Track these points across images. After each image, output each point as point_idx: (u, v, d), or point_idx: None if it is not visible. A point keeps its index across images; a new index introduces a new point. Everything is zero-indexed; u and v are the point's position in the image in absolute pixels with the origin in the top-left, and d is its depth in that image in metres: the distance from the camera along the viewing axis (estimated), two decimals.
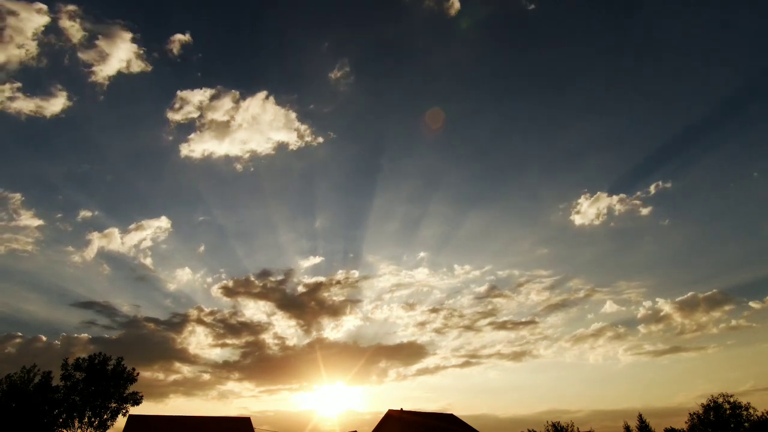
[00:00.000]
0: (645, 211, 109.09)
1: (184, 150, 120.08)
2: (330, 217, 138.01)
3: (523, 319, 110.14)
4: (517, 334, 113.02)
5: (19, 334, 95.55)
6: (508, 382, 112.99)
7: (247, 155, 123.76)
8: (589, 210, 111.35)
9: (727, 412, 48.97)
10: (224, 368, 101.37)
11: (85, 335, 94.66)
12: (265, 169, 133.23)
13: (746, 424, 47.79)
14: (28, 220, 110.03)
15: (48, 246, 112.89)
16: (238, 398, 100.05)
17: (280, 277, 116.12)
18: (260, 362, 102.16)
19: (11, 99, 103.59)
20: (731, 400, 49.59)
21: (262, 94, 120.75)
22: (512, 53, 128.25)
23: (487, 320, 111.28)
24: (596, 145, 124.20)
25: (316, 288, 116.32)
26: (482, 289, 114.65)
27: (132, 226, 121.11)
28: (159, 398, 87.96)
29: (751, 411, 48.26)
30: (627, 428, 57.69)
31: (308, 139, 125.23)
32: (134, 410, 46.88)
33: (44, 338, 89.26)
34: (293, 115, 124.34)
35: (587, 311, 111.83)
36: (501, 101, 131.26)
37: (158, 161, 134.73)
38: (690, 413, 51.73)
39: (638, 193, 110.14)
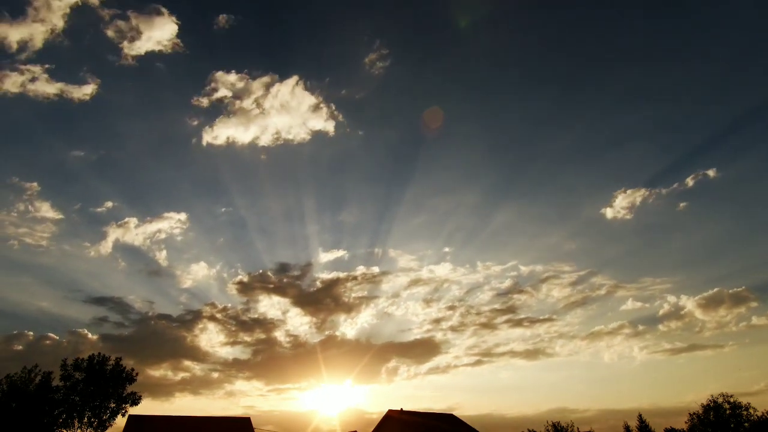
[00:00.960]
0: (680, 204, 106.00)
1: (208, 137, 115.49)
2: (356, 209, 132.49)
3: (542, 317, 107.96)
4: (533, 332, 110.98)
5: (28, 333, 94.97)
6: (519, 381, 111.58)
7: (274, 143, 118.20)
8: (621, 203, 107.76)
9: (727, 412, 48.91)
10: (234, 366, 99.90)
11: (95, 333, 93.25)
12: (291, 158, 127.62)
13: (746, 424, 47.74)
14: (45, 212, 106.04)
15: (64, 239, 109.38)
16: (245, 397, 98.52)
17: (297, 272, 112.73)
18: (270, 360, 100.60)
19: (33, 80, 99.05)
20: (731, 400, 49.58)
21: (293, 80, 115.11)
22: (552, 39, 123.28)
23: (505, 317, 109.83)
24: (637, 135, 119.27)
25: (333, 284, 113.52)
26: (503, 285, 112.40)
27: (150, 218, 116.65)
28: (166, 397, 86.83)
29: (751, 411, 48.28)
30: (627, 428, 57.74)
31: (338, 126, 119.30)
32: (135, 410, 47.00)
33: (56, 336, 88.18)
34: (324, 100, 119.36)
35: (608, 308, 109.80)
36: (542, 89, 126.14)
37: (181, 149, 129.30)
38: (690, 413, 51.75)
39: (675, 185, 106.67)
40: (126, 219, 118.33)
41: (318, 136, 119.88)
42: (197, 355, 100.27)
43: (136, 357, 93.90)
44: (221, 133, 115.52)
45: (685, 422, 52.22)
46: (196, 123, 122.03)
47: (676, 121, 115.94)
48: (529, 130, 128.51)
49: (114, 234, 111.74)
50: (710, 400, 50.51)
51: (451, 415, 55.82)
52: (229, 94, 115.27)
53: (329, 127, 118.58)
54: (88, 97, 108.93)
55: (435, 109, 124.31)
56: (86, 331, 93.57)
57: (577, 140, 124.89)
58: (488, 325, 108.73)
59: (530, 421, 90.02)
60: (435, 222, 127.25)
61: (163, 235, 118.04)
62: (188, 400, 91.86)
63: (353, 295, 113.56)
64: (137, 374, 49.11)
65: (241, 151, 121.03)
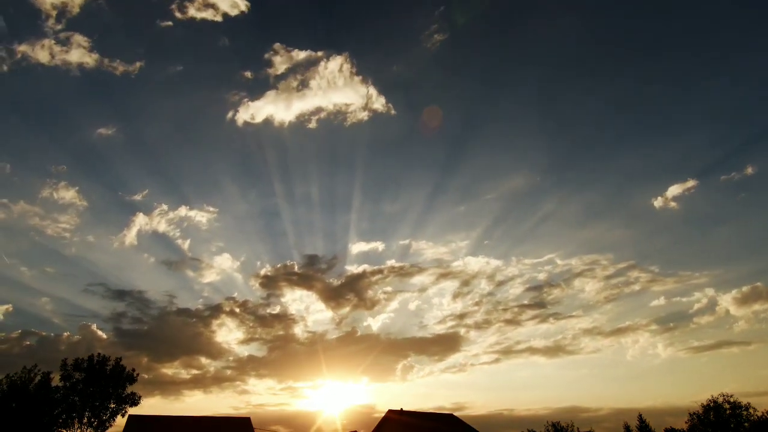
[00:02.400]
0: (736, 196, 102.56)
1: (246, 115, 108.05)
2: (398, 197, 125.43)
3: (569, 313, 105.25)
4: (558, 328, 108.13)
5: (37, 331, 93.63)
6: (536, 379, 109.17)
7: (317, 124, 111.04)
8: (673, 193, 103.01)
9: (727, 412, 48.87)
10: (248, 363, 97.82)
11: (112, 329, 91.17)
12: (333, 140, 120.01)
13: (746, 424, 47.69)
14: (70, 198, 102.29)
15: (88, 228, 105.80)
16: (256, 395, 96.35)
17: (324, 265, 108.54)
18: (286, 358, 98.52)
19: (68, 50, 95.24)
20: (731, 400, 49.54)
21: (342, 57, 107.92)
22: (616, 21, 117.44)
23: (531, 313, 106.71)
24: (694, 124, 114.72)
25: (358, 278, 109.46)
26: (536, 279, 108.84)
27: (176, 206, 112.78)
28: (176, 396, 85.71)
29: (751, 411, 48.23)
30: (627, 428, 57.75)
31: (387, 107, 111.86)
32: (137, 410, 46.96)
33: (67, 334, 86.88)
34: (373, 80, 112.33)
35: (639, 303, 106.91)
36: (601, 71, 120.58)
37: (216, 128, 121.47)
38: (690, 413, 51.71)
39: (728, 176, 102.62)
40: (151, 207, 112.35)
41: (365, 116, 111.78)
42: (212, 351, 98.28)
43: (150, 354, 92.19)
44: (261, 111, 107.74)
45: (686, 422, 52.27)
46: (236, 99, 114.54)
47: (733, 110, 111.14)
48: (585, 116, 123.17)
49: (138, 223, 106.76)
50: (710, 400, 50.52)
51: (451, 415, 55.82)
52: (276, 69, 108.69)
53: (378, 107, 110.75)
54: (123, 71, 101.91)
55: (487, 92, 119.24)
56: (101, 327, 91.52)
57: (634, 128, 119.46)
58: (512, 321, 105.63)
59: (539, 420, 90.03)
60: (476, 211, 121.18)
61: (189, 225, 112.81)
62: (198, 399, 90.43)
63: (377, 289, 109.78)
64: (138, 374, 49.22)
65: (280, 132, 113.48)
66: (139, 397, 47.84)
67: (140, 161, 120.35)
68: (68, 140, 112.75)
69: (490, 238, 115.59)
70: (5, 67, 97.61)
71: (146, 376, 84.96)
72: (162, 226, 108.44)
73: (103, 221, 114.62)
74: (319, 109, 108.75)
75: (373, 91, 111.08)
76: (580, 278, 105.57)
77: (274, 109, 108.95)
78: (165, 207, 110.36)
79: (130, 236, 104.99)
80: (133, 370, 48.87)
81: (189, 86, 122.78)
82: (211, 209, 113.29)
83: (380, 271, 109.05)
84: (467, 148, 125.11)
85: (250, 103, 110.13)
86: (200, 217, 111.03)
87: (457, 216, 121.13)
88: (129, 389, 47.95)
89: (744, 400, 49.66)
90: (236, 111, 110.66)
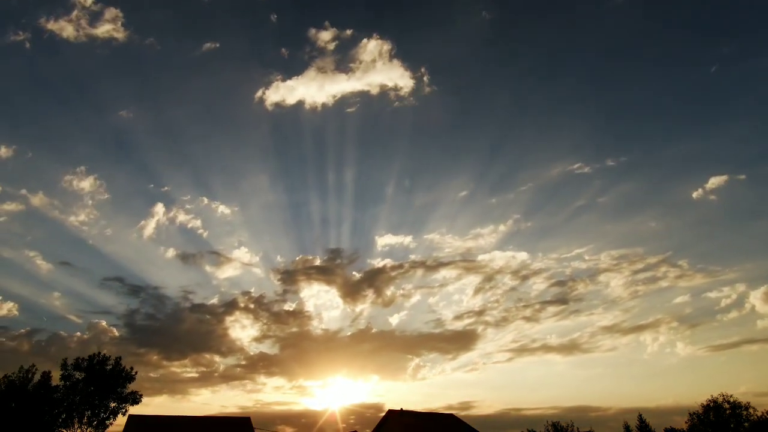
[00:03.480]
0: None
1: (277, 96, 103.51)
2: (430, 187, 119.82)
3: (593, 310, 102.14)
4: (577, 325, 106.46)
5: (47, 329, 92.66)
6: (549, 377, 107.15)
7: (352, 108, 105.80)
8: (713, 184, 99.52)
9: (727, 412, 48.91)
10: (260, 361, 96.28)
11: (125, 325, 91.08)
12: (368, 124, 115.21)
13: (746, 424, 47.75)
14: (90, 188, 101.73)
15: (107, 220, 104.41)
16: (265, 394, 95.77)
17: (345, 260, 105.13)
18: (298, 355, 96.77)
19: (97, 25, 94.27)
20: (731, 399, 49.61)
21: (383, 37, 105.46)
22: (669, 7, 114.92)
23: (552, 310, 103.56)
24: (742, 114, 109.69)
25: (379, 273, 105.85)
26: (562, 273, 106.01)
27: (197, 197, 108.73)
28: (183, 395, 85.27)
29: (751, 411, 48.28)
30: (627, 428, 57.81)
31: (426, 91, 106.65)
32: (137, 410, 46.76)
33: (78, 334, 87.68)
34: (414, 63, 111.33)
35: (665, 299, 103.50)
36: (650, 59, 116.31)
37: (245, 111, 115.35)
38: (690, 413, 51.74)
39: None
40: (171, 197, 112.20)
41: (405, 101, 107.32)
42: (223, 349, 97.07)
43: (161, 351, 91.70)
44: (294, 92, 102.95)
45: (685, 422, 52.30)
46: (269, 79, 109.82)
47: None
48: (632, 105, 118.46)
49: (158, 214, 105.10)
50: (710, 400, 50.56)
51: (451, 415, 55.79)
52: (315, 48, 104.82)
53: (419, 91, 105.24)
54: (153, 48, 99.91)
55: (535, 75, 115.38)
56: (114, 324, 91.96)
57: (682, 117, 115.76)
58: (531, 319, 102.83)
59: (545, 420, 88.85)
60: (508, 203, 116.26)
61: (210, 216, 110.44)
62: (205, 398, 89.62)
63: (397, 285, 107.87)
64: (137, 373, 49.04)
65: (313, 116, 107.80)
66: (140, 396, 47.73)
67: (162, 147, 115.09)
68: (91, 123, 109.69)
69: (520, 231, 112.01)
70: (28, 44, 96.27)
71: (154, 375, 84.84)
72: (181, 217, 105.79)
73: (122, 212, 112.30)
74: (356, 92, 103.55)
75: (415, 74, 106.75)
76: (606, 273, 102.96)
77: (308, 90, 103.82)
78: (185, 197, 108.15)
79: (149, 228, 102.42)
80: (132, 368, 48.77)
81: (221, 64, 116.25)
82: (234, 200, 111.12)
83: (401, 266, 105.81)
84: (509, 135, 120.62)
85: (282, 83, 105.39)
86: (222, 208, 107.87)
87: (488, 208, 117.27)
88: (129, 388, 47.81)
89: (758, 400, 49.74)
90: (267, 90, 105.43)
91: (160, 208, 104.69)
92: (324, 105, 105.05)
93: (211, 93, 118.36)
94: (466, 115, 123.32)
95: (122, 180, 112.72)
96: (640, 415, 57.33)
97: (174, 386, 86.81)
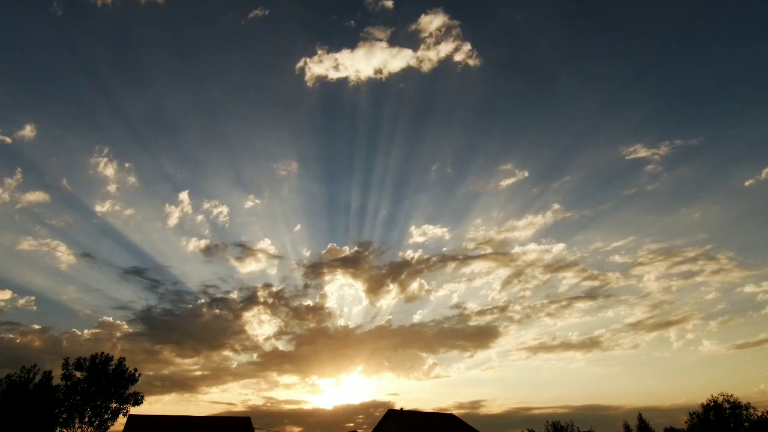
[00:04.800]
0: None
1: (320, 69, 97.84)
2: (475, 173, 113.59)
3: (620, 307, 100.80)
4: (603, 321, 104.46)
5: (58, 325, 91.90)
6: (567, 375, 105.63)
7: (401, 83, 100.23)
8: None
9: (727, 411, 48.90)
10: (274, 358, 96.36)
11: (139, 323, 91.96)
12: (415, 103, 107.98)
13: (746, 424, 47.74)
14: (113, 174, 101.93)
15: (133, 206, 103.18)
16: (277, 391, 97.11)
17: (373, 253, 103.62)
18: (314, 353, 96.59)
19: None
20: (731, 399, 49.60)
21: (438, 11, 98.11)
22: None
23: (579, 306, 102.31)
24: None
25: (405, 266, 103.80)
26: (599, 265, 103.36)
27: (224, 184, 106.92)
28: (191, 393, 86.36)
29: (751, 411, 48.30)
30: (627, 428, 57.85)
31: (480, 68, 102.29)
32: (138, 409, 46.79)
33: (88, 331, 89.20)
34: (468, 39, 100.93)
35: (698, 294, 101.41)
36: (717, 39, 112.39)
37: (284, 88, 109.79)
38: (690, 413, 51.76)
39: None
40: (197, 185, 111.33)
41: (456, 78, 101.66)
42: (237, 346, 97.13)
43: (175, 348, 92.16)
44: (338, 65, 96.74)
45: (685, 422, 52.32)
46: (314, 51, 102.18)
47: None
48: (693, 87, 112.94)
49: (182, 203, 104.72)
50: (710, 400, 50.58)
51: (451, 415, 55.89)
52: (365, 18, 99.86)
53: (475, 68, 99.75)
54: (195, 16, 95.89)
55: (593, 51, 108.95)
56: (130, 320, 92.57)
57: (744, 102, 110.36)
58: (555, 315, 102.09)
59: (552, 419, 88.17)
60: (555, 191, 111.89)
61: (237, 206, 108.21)
62: (214, 396, 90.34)
63: (424, 279, 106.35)
64: (140, 374, 49.05)
65: (357, 92, 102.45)
66: (142, 397, 47.74)
67: (193, 127, 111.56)
68: (121, 98, 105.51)
69: (558, 223, 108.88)
70: (60, 11, 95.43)
71: (166, 372, 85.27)
72: (207, 206, 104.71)
73: (147, 200, 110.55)
74: (408, 68, 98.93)
75: (473, 51, 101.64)
76: (641, 267, 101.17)
77: (356, 63, 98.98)
78: (213, 184, 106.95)
79: (173, 218, 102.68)
80: (135, 369, 48.83)
81: (266, 34, 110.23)
82: (263, 187, 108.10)
83: (430, 260, 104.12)
84: (566, 117, 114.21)
85: (327, 54, 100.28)
86: (250, 196, 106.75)
87: (529, 198, 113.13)
88: (132, 389, 47.79)
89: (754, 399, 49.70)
90: (311, 63, 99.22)
91: (185, 196, 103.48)
92: (371, 80, 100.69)
93: (252, 67, 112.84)
94: (523, 96, 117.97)
95: (149, 164, 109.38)
96: (640, 415, 57.55)
97: (184, 384, 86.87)
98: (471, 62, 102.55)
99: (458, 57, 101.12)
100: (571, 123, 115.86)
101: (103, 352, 47.95)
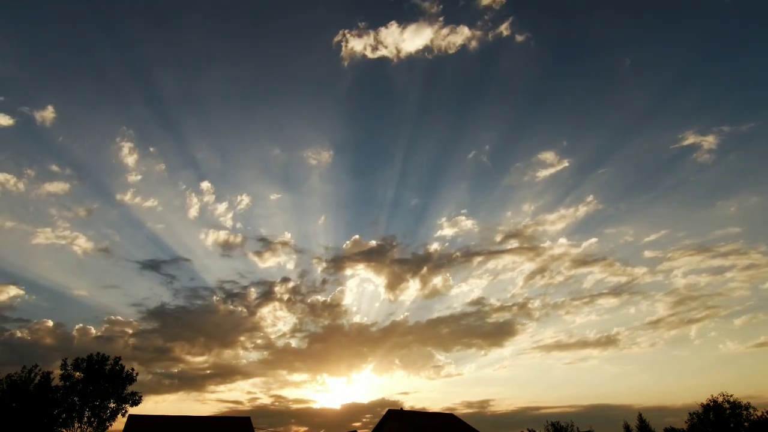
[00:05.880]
0: None
1: (359, 45, 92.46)
2: (516, 158, 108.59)
3: (641, 305, 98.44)
4: (621, 319, 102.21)
5: (66, 322, 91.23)
6: (581, 374, 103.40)
7: (445, 61, 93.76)
8: None
9: (727, 411, 48.88)
10: (285, 356, 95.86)
11: (153, 319, 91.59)
12: (459, 83, 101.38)
13: (746, 424, 47.71)
14: (134, 162, 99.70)
15: (153, 196, 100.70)
16: (286, 390, 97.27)
17: (397, 247, 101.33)
18: (326, 351, 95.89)
19: None
20: (731, 399, 49.58)
21: None
22: None
23: (600, 303, 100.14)
24: None
25: (428, 260, 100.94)
26: (627, 261, 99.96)
27: (248, 174, 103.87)
28: (199, 392, 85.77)
29: (751, 411, 48.27)
30: (627, 428, 57.85)
31: (529, 48, 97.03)
32: (139, 409, 46.79)
33: (103, 328, 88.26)
34: (518, 17, 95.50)
35: (726, 291, 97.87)
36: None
37: (319, 66, 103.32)
38: (690, 413, 51.76)
39: None
40: (219, 174, 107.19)
41: (504, 57, 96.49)
42: (249, 344, 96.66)
43: (186, 345, 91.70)
44: (378, 43, 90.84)
45: (685, 422, 52.30)
46: (352, 26, 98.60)
47: None
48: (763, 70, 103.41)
49: (204, 192, 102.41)
50: (710, 400, 50.55)
51: (451, 414, 55.92)
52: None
53: (522, 45, 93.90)
54: None
55: (654, 27, 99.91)
56: (142, 317, 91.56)
57: None
58: (574, 312, 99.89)
59: (561, 418, 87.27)
60: (593, 181, 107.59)
61: (261, 197, 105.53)
62: (222, 395, 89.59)
63: (445, 274, 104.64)
64: (137, 374, 49.02)
65: (395, 72, 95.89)
66: (140, 397, 47.60)
67: (224, 110, 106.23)
68: (144, 78, 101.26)
69: (591, 216, 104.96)
70: None
71: (175, 370, 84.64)
72: (229, 196, 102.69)
73: (167, 190, 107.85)
74: (451, 45, 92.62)
75: (524, 30, 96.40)
76: (670, 263, 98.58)
77: (396, 39, 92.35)
78: (237, 173, 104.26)
79: (193, 210, 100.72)
80: (133, 369, 48.81)
81: (303, 3, 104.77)
82: (290, 179, 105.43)
83: (453, 255, 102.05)
84: (616, 99, 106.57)
85: (366, 31, 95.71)
86: (274, 188, 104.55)
87: (565, 189, 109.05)
88: (129, 389, 47.73)
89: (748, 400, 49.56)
90: (349, 39, 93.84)
91: (207, 186, 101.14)
92: (413, 59, 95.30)
93: (287, 44, 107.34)
94: (574, 77, 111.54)
95: (174, 149, 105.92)
96: (640, 415, 57.58)
97: (193, 382, 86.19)
98: (522, 40, 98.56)
99: (509, 34, 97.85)
100: (623, 108, 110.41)
101: (99, 352, 47.99)
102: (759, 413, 47.78)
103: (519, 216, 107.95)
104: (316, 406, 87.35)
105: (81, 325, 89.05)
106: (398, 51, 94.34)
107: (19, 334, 79.75)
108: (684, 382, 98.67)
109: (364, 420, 61.86)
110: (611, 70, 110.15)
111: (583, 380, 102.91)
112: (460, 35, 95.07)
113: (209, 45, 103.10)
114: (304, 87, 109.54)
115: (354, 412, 73.10)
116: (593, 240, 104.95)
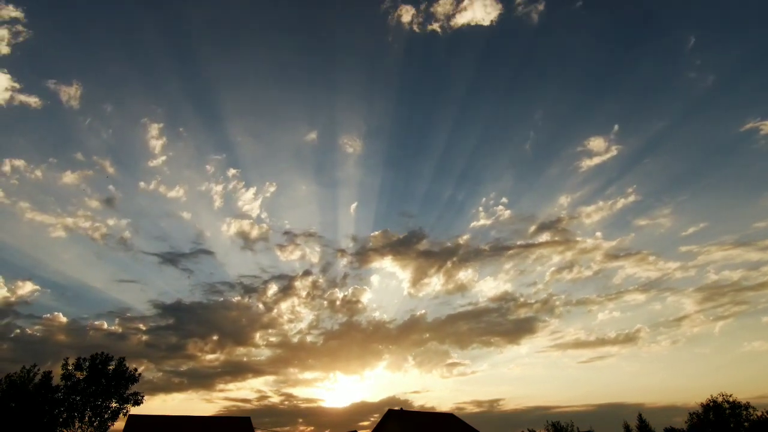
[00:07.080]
0: None
1: (407, 17, 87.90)
2: (565, 142, 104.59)
3: (670, 301, 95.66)
4: (645, 316, 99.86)
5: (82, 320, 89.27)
6: (597, 372, 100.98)
7: (502, 39, 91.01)
8: None
9: (727, 411, 48.96)
10: (298, 353, 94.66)
11: (169, 316, 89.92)
12: (515, 58, 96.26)
13: (746, 424, 47.80)
14: (160, 148, 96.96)
15: (175, 184, 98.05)
16: (298, 388, 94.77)
17: (426, 240, 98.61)
18: (340, 348, 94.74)
19: None
20: (731, 399, 49.64)
21: None
22: None
23: (627, 299, 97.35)
24: None
25: (454, 254, 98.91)
26: (660, 255, 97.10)
27: (279, 162, 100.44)
28: (207, 390, 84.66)
29: (750, 411, 48.35)
30: (627, 428, 57.89)
31: (592, 23, 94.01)
32: (140, 409, 46.72)
33: (115, 324, 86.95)
34: None
35: (759, 287, 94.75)
36: None
37: (366, 42, 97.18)
38: (690, 413, 51.85)
39: None
40: (245, 164, 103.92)
41: (559, 35, 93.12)
42: (261, 342, 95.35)
43: (198, 342, 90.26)
44: (428, 16, 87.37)
45: (685, 422, 52.38)
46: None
47: None
48: None
49: (231, 181, 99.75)
50: (710, 400, 50.63)
51: (451, 414, 56.02)
52: None
53: (580, 22, 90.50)
54: None
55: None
56: (158, 313, 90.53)
57: None
58: (596, 310, 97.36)
59: (571, 417, 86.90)
60: (637, 173, 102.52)
61: (286, 189, 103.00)
62: (231, 393, 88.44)
63: (474, 269, 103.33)
64: (140, 374, 48.92)
65: (444, 47, 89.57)
66: (142, 397, 47.48)
67: (257, 89, 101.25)
68: (182, 56, 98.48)
69: (629, 209, 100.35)
70: None
71: (184, 368, 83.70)
72: (256, 185, 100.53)
73: (191, 178, 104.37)
74: (505, 19, 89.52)
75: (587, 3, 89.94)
76: (705, 256, 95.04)
77: (446, 10, 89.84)
78: (266, 162, 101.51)
79: (218, 200, 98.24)
80: (135, 369, 48.75)
81: None
82: (322, 169, 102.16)
83: (479, 249, 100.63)
84: (679, 82, 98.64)
85: (416, 5, 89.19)
86: (303, 180, 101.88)
87: (607, 180, 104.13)
88: (131, 389, 47.66)
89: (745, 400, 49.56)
90: (401, 12, 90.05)
91: (235, 173, 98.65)
92: (461, 33, 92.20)
93: (326, 20, 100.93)
94: (632, 56, 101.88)
95: (203, 132, 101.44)
96: (640, 415, 57.65)
97: (203, 380, 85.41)
98: (580, 15, 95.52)
99: (566, 8, 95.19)
100: (683, 91, 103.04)
101: (103, 352, 47.95)
102: (759, 413, 47.92)
103: (555, 207, 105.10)
104: (325, 404, 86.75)
105: (95, 321, 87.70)
106: (448, 23, 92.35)
107: (30, 331, 79.81)
108: (700, 381, 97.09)
109: (372, 419, 61.13)
110: (673, 49, 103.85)
111: (599, 379, 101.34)
112: (520, 6, 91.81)
113: (252, 13, 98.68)
114: (348, 62, 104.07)
115: (363, 411, 72.58)
116: (629, 233, 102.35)
